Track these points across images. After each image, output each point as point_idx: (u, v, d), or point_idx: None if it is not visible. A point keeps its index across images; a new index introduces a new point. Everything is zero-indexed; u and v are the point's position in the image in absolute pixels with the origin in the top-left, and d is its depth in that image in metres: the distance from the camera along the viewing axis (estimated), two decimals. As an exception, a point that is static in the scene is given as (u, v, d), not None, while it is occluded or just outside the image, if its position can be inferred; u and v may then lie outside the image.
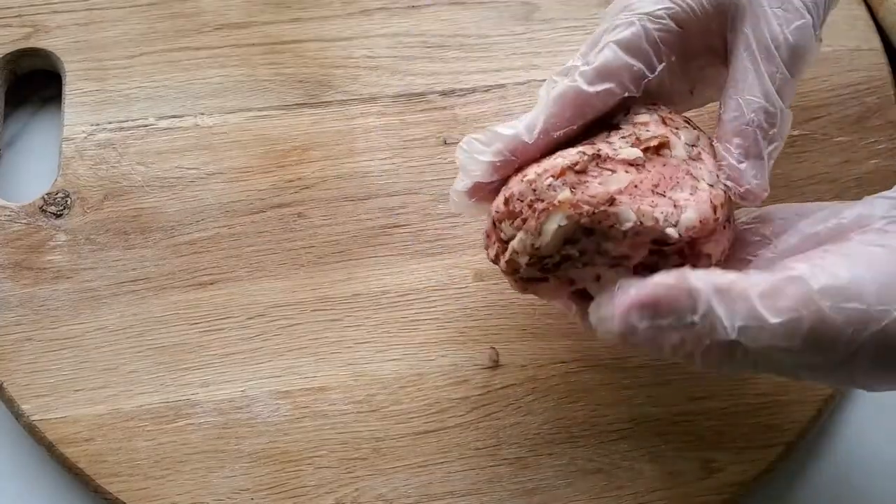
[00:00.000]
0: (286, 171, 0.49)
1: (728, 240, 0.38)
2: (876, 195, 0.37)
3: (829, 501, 0.45)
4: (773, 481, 0.45)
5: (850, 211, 0.36)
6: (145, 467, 0.43)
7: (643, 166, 0.36)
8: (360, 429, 0.44)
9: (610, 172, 0.36)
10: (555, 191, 0.36)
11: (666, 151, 0.37)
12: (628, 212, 0.35)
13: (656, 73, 0.38)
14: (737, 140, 0.37)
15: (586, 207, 0.35)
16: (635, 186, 0.36)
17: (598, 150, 0.36)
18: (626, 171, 0.36)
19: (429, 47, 0.52)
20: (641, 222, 0.35)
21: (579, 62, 0.38)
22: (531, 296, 0.40)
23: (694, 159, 0.38)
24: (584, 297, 0.38)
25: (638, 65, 0.38)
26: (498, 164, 0.38)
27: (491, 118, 0.50)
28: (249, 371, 0.45)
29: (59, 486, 0.44)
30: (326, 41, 0.52)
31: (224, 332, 0.45)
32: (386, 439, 0.44)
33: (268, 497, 0.43)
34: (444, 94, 0.51)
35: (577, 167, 0.36)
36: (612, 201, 0.35)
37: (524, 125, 0.38)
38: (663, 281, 0.33)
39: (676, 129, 0.38)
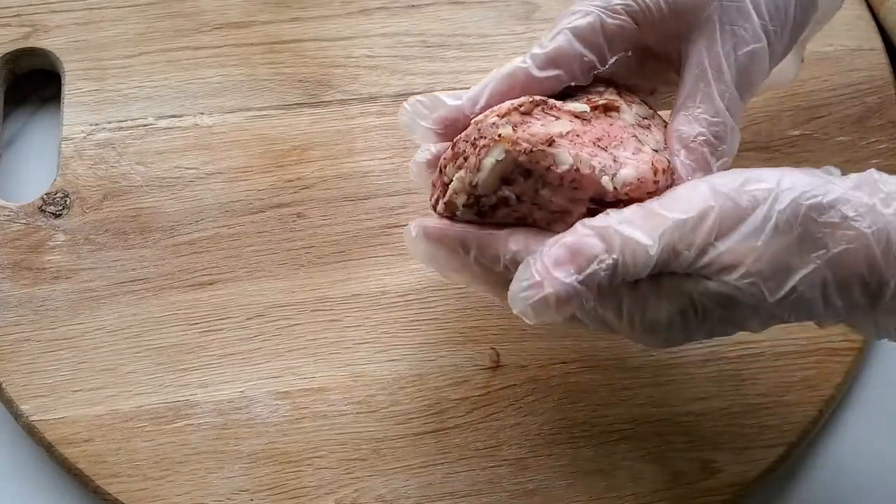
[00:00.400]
0: (285, 170, 0.49)
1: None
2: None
3: (829, 502, 0.45)
4: (773, 482, 0.45)
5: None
6: (144, 468, 0.43)
7: (589, 121, 0.37)
8: (359, 429, 0.44)
9: (554, 119, 0.37)
10: (497, 128, 0.36)
11: (614, 114, 0.38)
12: (565, 154, 0.35)
13: (607, 66, 0.39)
14: (685, 153, 0.38)
15: (525, 145, 0.35)
16: (577, 136, 0.36)
17: (546, 100, 0.37)
18: (571, 121, 0.37)
19: (429, 47, 0.52)
20: (578, 168, 0.35)
21: (535, 47, 0.39)
22: None
23: (643, 127, 0.38)
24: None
25: (590, 56, 0.38)
26: (438, 131, 0.39)
27: (491, 118, 0.50)
28: (249, 371, 0.45)
29: (58, 486, 0.44)
30: (326, 41, 0.52)
31: (223, 332, 0.45)
32: (385, 440, 0.44)
33: (267, 498, 0.42)
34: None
35: (523, 108, 0.36)
36: (551, 142, 0.35)
37: (468, 97, 0.38)
38: (568, 235, 0.34)
39: (631, 102, 0.39)
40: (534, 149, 0.35)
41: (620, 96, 0.39)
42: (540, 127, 0.36)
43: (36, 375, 0.44)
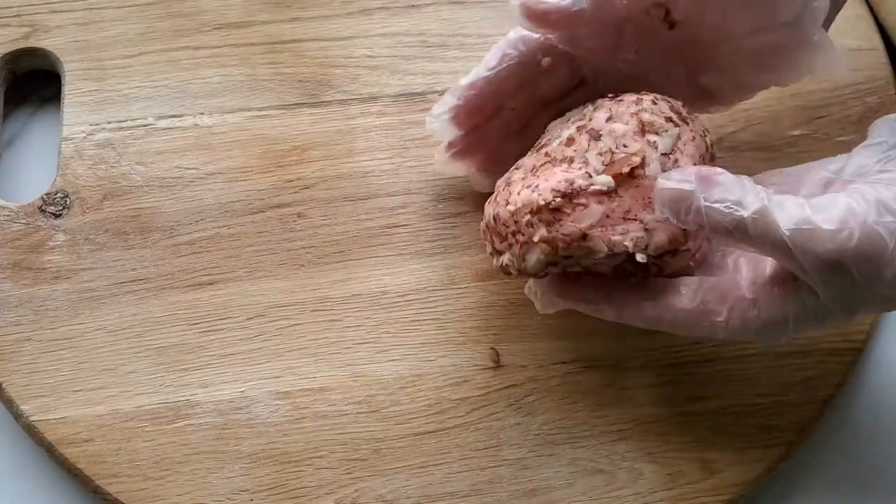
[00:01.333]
0: (286, 170, 0.49)
1: (706, 238, 0.40)
2: (861, 146, 0.39)
3: (829, 501, 0.45)
4: (773, 482, 0.45)
5: (849, 162, 0.39)
6: (145, 468, 0.43)
7: (615, 194, 0.38)
8: (359, 429, 0.44)
9: (583, 208, 0.38)
10: (532, 227, 0.39)
11: (639, 172, 0.38)
12: (600, 244, 0.38)
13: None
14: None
15: (561, 244, 0.38)
16: (607, 217, 0.38)
17: (573, 183, 0.38)
18: (599, 203, 0.38)
19: (429, 47, 0.52)
20: (613, 251, 0.38)
21: None
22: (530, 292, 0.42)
23: (671, 168, 0.39)
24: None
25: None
26: (459, 110, 0.44)
27: (491, 118, 0.50)
28: (249, 371, 0.45)
29: (58, 486, 0.44)
30: (326, 41, 0.52)
31: (223, 332, 0.45)
32: (386, 440, 0.44)
33: (267, 498, 0.42)
34: (443, 93, 0.51)
35: (552, 206, 0.38)
36: (584, 237, 0.38)
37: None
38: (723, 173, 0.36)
39: (655, 133, 0.39)
40: (570, 244, 0.38)
41: (643, 132, 0.39)
42: (571, 224, 0.38)
43: (36, 375, 0.44)
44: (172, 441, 0.43)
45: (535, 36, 0.43)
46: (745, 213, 0.35)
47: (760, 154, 0.50)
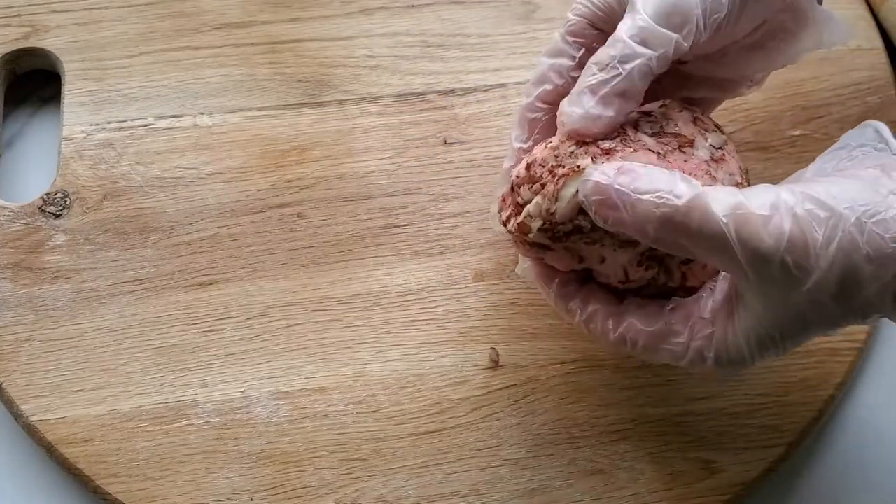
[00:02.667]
0: (286, 170, 0.49)
1: None
2: (825, 152, 0.39)
3: (829, 502, 0.45)
4: (773, 482, 0.45)
5: (808, 168, 0.39)
6: (145, 468, 0.43)
7: (664, 157, 0.37)
8: (360, 429, 0.44)
9: (633, 151, 0.36)
10: (576, 158, 0.36)
11: (688, 149, 0.38)
12: None
13: (576, 60, 0.40)
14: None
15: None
16: None
17: (625, 132, 0.37)
18: (647, 156, 0.36)
19: (429, 47, 0.52)
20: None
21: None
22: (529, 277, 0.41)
23: (716, 161, 0.38)
24: (582, 282, 0.40)
25: (560, 61, 0.40)
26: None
27: (491, 118, 0.50)
28: (249, 371, 0.45)
29: (58, 486, 0.44)
30: (326, 41, 0.52)
31: (223, 332, 0.45)
32: (386, 440, 0.44)
33: (267, 498, 0.42)
34: (444, 93, 0.51)
35: (601, 145, 0.36)
36: None
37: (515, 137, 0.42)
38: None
39: (705, 130, 0.39)
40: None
41: (695, 124, 0.39)
42: (619, 161, 0.36)
43: (36, 375, 0.44)
44: (172, 441, 0.43)
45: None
46: (678, 203, 0.33)
47: (760, 154, 0.50)
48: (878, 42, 0.53)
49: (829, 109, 0.51)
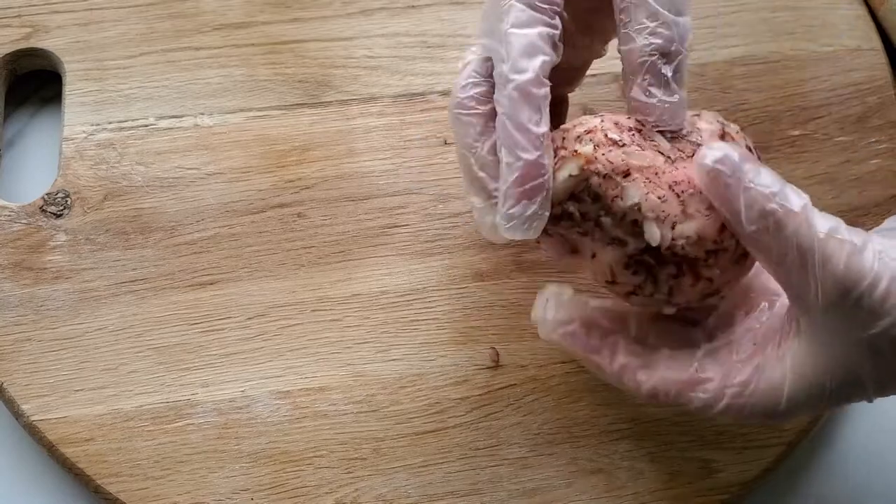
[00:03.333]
0: (286, 171, 0.49)
1: (737, 276, 0.37)
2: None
3: (829, 501, 0.45)
4: (773, 481, 0.45)
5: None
6: (145, 467, 0.43)
7: (674, 162, 0.36)
8: (360, 429, 0.44)
9: (639, 149, 0.36)
10: (581, 143, 0.36)
11: None
12: (636, 190, 0.35)
13: (558, 28, 0.37)
14: (639, 79, 0.36)
15: (600, 167, 0.35)
16: (655, 174, 0.36)
17: (640, 127, 0.37)
18: (655, 156, 0.36)
19: (429, 47, 0.52)
20: (640, 207, 0.35)
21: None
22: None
23: None
24: (603, 333, 0.39)
25: (543, 29, 0.36)
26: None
27: (491, 118, 0.50)
28: (249, 371, 0.45)
29: (59, 486, 0.44)
30: (326, 41, 0.52)
31: (224, 332, 0.45)
32: (386, 439, 0.44)
33: (268, 497, 0.43)
34: (444, 94, 0.51)
35: (609, 135, 0.36)
36: (627, 173, 0.35)
37: (520, 148, 0.37)
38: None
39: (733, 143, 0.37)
40: (607, 174, 0.36)
41: (722, 138, 0.37)
42: (621, 155, 0.36)
43: (37, 375, 0.44)
44: (173, 440, 0.43)
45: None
46: (787, 205, 0.33)
47: (760, 154, 0.50)
48: (877, 42, 0.53)
49: (829, 109, 0.51)
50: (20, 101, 0.52)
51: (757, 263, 0.38)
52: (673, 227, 0.35)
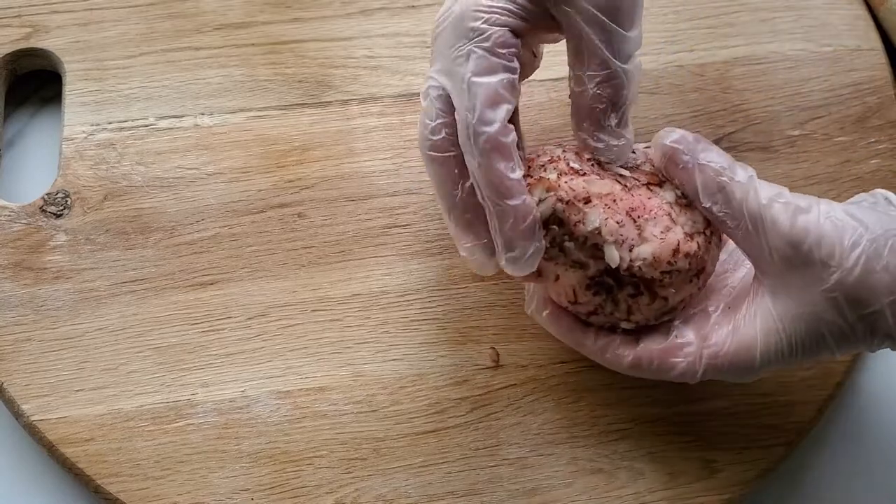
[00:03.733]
0: (286, 171, 0.49)
1: (692, 294, 0.40)
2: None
3: (829, 501, 0.45)
4: (773, 481, 0.45)
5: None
6: (145, 467, 0.43)
7: (630, 190, 0.39)
8: (360, 429, 0.44)
9: (598, 178, 0.39)
10: (545, 172, 0.39)
11: (656, 189, 0.39)
12: (595, 216, 0.38)
13: (516, 71, 0.38)
14: (585, 123, 0.39)
15: (563, 193, 0.38)
16: (613, 200, 0.39)
17: (598, 160, 0.40)
18: (613, 184, 0.39)
19: (429, 47, 0.52)
20: (600, 231, 0.38)
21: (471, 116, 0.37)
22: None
23: (681, 206, 0.39)
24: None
25: (504, 76, 0.38)
26: None
27: (491, 118, 0.50)
28: (249, 371, 0.45)
29: (59, 485, 0.44)
30: (326, 41, 0.52)
31: (224, 332, 0.45)
32: (386, 439, 0.44)
33: (268, 497, 0.43)
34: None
35: (571, 165, 0.39)
36: (587, 200, 0.38)
37: (498, 195, 0.39)
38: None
39: (677, 187, 0.40)
40: (570, 200, 0.38)
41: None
42: (582, 183, 0.39)
43: (37, 375, 0.44)
44: (173, 440, 0.43)
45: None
46: (735, 178, 0.37)
47: (760, 154, 0.50)
48: (877, 42, 0.53)
49: (829, 109, 0.51)
50: (20, 101, 0.52)
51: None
52: (631, 250, 0.38)
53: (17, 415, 0.44)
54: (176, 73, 0.51)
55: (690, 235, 0.39)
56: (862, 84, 0.52)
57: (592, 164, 0.40)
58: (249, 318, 0.46)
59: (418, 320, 0.46)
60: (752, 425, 0.44)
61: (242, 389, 0.44)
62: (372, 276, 0.47)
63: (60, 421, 0.43)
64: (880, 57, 0.53)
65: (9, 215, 0.47)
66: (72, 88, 0.50)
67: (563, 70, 0.40)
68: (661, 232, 0.38)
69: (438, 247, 0.47)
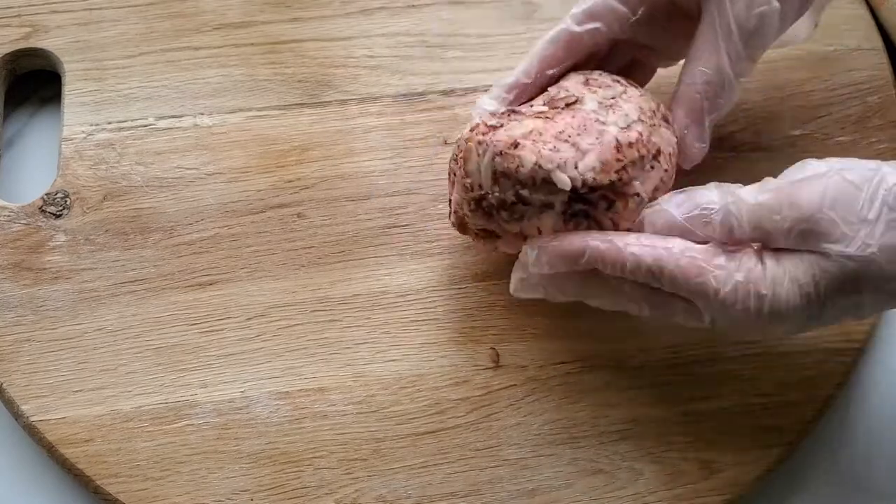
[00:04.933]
0: (286, 171, 0.49)
1: (662, 179, 0.41)
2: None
3: (829, 502, 0.45)
4: (773, 482, 0.45)
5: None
6: (145, 468, 0.43)
7: (552, 119, 0.40)
8: (359, 429, 0.44)
9: (516, 123, 0.40)
10: (469, 138, 0.40)
11: (576, 106, 0.40)
12: (529, 155, 0.39)
13: (638, 14, 0.43)
14: (684, 109, 0.42)
15: (493, 147, 0.39)
16: (539, 134, 0.39)
17: (514, 109, 0.41)
18: (533, 121, 0.40)
19: (429, 47, 0.52)
20: (540, 164, 0.39)
21: (575, 7, 0.43)
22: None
23: (606, 107, 0.40)
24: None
25: (622, 7, 0.42)
26: (504, 95, 0.43)
27: (491, 118, 0.50)
28: (249, 372, 0.45)
29: (58, 486, 0.44)
30: (326, 41, 0.52)
31: (223, 332, 0.45)
32: (386, 440, 0.44)
33: (268, 498, 0.42)
34: (444, 93, 0.51)
35: (488, 123, 0.40)
36: (515, 144, 0.39)
37: (522, 69, 0.43)
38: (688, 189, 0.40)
39: (597, 88, 0.42)
40: (502, 151, 0.39)
41: (587, 84, 0.42)
42: (503, 133, 0.39)
43: (36, 376, 0.44)
44: (172, 441, 0.43)
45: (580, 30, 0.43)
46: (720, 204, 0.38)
47: (760, 154, 0.50)
48: (878, 42, 0.53)
49: (830, 109, 0.51)
50: (20, 101, 0.52)
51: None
52: (577, 167, 0.39)
53: (17, 415, 0.44)
54: (175, 73, 0.51)
55: (626, 127, 0.40)
56: (863, 84, 0.52)
57: (507, 115, 0.41)
58: (249, 319, 0.46)
59: (418, 320, 0.46)
60: (752, 425, 0.44)
61: (242, 390, 0.44)
62: (371, 277, 0.47)
63: (60, 421, 0.43)
64: (881, 57, 0.53)
65: (8, 215, 0.47)
66: (71, 88, 0.50)
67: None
68: (596, 138, 0.39)
69: (438, 247, 0.47)
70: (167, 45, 0.52)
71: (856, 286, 0.36)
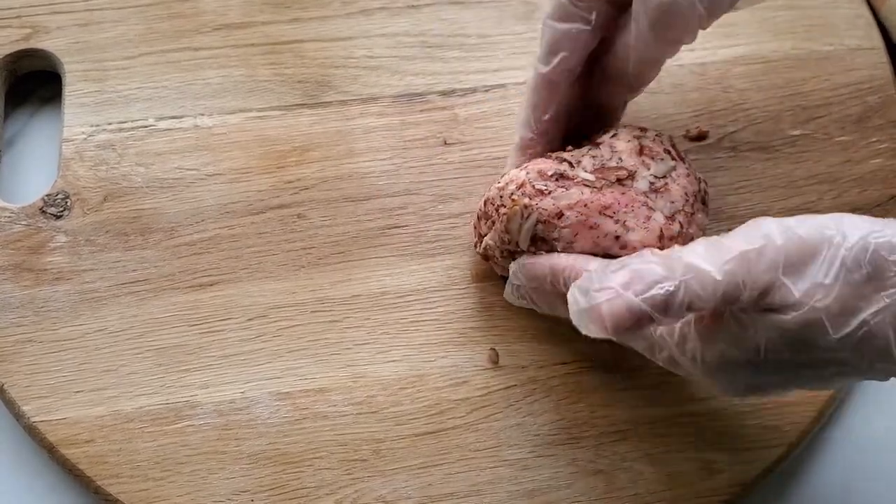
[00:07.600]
0: (286, 171, 0.49)
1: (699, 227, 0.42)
2: None
3: (829, 502, 0.45)
4: (773, 482, 0.45)
5: None
6: (145, 468, 0.43)
7: (600, 189, 0.40)
8: (360, 430, 0.44)
9: (563, 190, 0.40)
10: (518, 197, 0.41)
11: (628, 182, 0.41)
12: (568, 233, 0.40)
13: (592, 23, 0.41)
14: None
15: (538, 215, 0.40)
16: (585, 206, 0.40)
17: (562, 170, 0.41)
18: (581, 190, 0.40)
19: (429, 47, 0.52)
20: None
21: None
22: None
23: (656, 191, 0.41)
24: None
25: (574, 25, 0.41)
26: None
27: (492, 118, 0.50)
28: (249, 372, 0.45)
29: (59, 487, 0.44)
30: (326, 41, 0.52)
31: (224, 333, 0.45)
32: (386, 440, 0.44)
33: (268, 498, 0.43)
34: (444, 94, 0.51)
35: (536, 185, 0.41)
36: (560, 215, 0.40)
37: (521, 122, 0.44)
38: (634, 258, 0.35)
39: (651, 158, 0.42)
40: (546, 220, 0.40)
41: (641, 153, 0.42)
42: (551, 201, 0.40)
43: (37, 376, 0.44)
44: (173, 442, 0.43)
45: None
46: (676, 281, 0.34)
47: (760, 154, 0.50)
48: (878, 42, 0.53)
49: (829, 109, 0.51)
50: (20, 101, 0.52)
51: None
52: (617, 240, 0.40)
53: (18, 416, 0.44)
54: (175, 74, 0.51)
55: (671, 217, 0.40)
56: (863, 83, 0.52)
57: (556, 179, 0.41)
58: (249, 320, 0.46)
59: (418, 321, 0.46)
60: (752, 426, 0.44)
61: (242, 391, 0.44)
62: (372, 277, 0.47)
63: (61, 422, 0.43)
64: (881, 56, 0.53)
65: (9, 217, 0.47)
66: (71, 89, 0.50)
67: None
68: (643, 221, 0.40)
69: (438, 247, 0.47)
70: (167, 45, 0.52)
71: (800, 349, 0.34)
